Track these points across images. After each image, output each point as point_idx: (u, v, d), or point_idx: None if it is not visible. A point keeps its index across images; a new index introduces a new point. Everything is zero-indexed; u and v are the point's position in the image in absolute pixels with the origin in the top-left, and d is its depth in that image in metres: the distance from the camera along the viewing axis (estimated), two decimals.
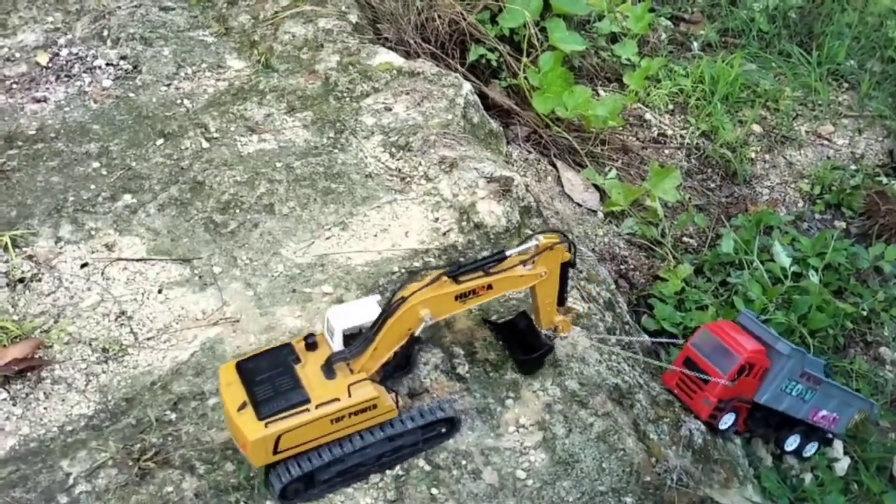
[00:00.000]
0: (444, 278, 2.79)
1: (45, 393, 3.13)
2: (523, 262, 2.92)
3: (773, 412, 3.62)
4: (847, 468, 3.96)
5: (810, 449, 3.97)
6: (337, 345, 2.77)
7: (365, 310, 2.82)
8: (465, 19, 5.34)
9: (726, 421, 3.49)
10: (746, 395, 3.47)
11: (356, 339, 2.76)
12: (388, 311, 2.74)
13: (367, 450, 2.77)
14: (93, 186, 4.00)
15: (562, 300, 3.12)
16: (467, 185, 4.08)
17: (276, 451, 2.62)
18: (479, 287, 2.83)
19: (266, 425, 2.58)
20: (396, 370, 2.89)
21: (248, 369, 2.72)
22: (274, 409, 2.59)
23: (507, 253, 2.90)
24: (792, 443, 3.88)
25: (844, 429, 3.96)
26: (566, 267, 3.04)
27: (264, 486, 2.77)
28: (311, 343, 2.79)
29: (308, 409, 2.62)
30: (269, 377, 2.68)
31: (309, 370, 2.72)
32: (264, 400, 2.62)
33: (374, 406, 2.72)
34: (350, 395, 2.66)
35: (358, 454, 2.76)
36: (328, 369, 2.72)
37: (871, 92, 6.42)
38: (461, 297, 2.82)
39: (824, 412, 3.78)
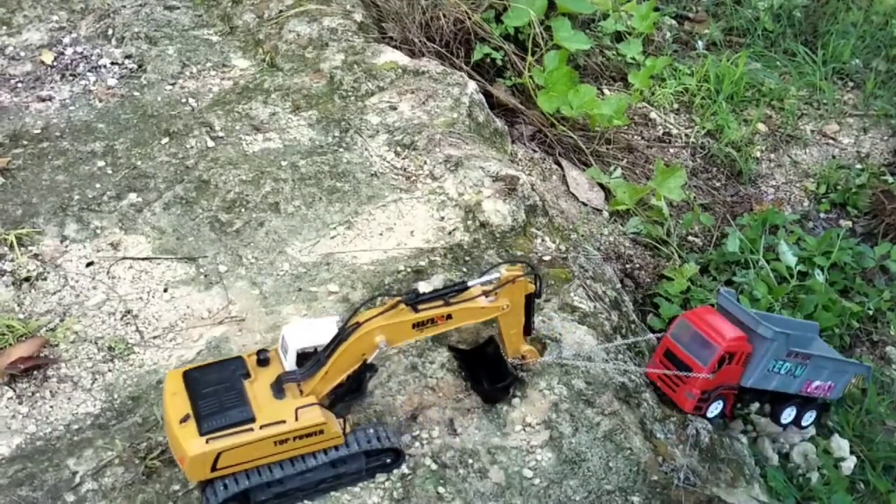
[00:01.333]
0: (402, 305, 2.71)
1: (51, 391, 3.13)
2: (485, 294, 2.84)
3: (764, 391, 3.56)
4: (853, 467, 3.94)
5: (808, 418, 3.87)
6: (290, 363, 2.69)
7: (323, 330, 2.73)
8: (469, 18, 5.33)
9: (713, 409, 3.43)
10: (731, 381, 3.40)
11: (309, 361, 2.68)
12: (342, 335, 2.65)
13: (307, 474, 2.69)
14: (98, 185, 4.00)
15: (528, 330, 3.05)
16: (473, 183, 4.08)
17: (214, 469, 2.54)
18: (438, 316, 2.75)
19: (207, 441, 2.50)
20: (347, 395, 2.77)
21: (196, 380, 2.64)
22: (216, 426, 2.51)
23: (469, 283, 2.83)
24: (788, 415, 3.79)
25: (841, 394, 3.89)
26: (531, 298, 2.96)
27: (199, 501, 2.70)
28: (263, 359, 2.71)
29: (252, 429, 2.54)
30: (216, 391, 2.60)
31: (258, 387, 2.64)
32: (208, 414, 2.54)
33: (321, 431, 2.64)
34: (297, 419, 2.58)
35: (298, 478, 2.68)
36: (278, 388, 2.64)
37: (876, 91, 6.40)
38: (419, 325, 2.73)
39: (818, 383, 3.68)
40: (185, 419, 2.54)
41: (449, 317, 2.77)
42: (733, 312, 3.40)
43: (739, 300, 3.53)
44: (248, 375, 2.66)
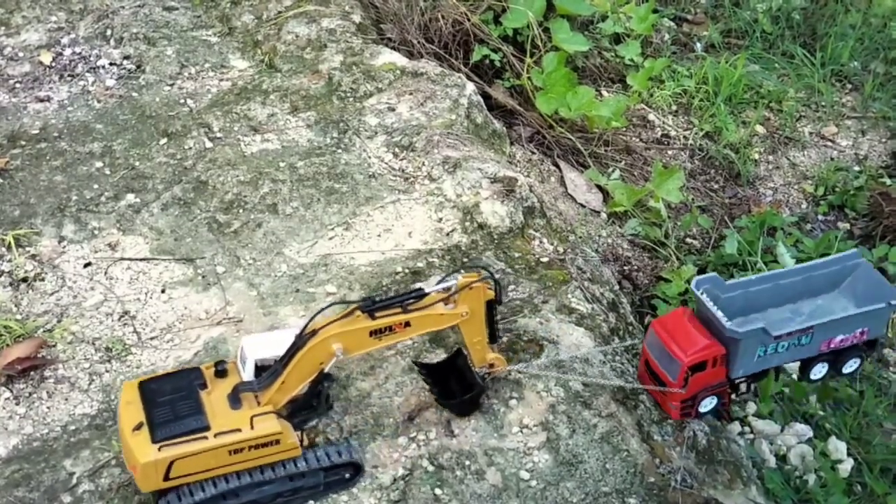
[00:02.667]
0: (359, 313, 2.65)
1: (48, 392, 3.13)
2: (444, 301, 2.78)
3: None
4: (851, 469, 3.95)
5: (851, 365, 3.34)
6: (248, 374, 2.65)
7: (282, 341, 2.68)
8: (468, 20, 5.33)
9: (706, 405, 3.14)
10: (717, 380, 3.07)
11: (266, 371, 2.65)
12: (299, 343, 2.61)
13: (264, 487, 2.65)
14: (96, 186, 4.00)
15: (493, 338, 2.98)
16: (471, 185, 4.08)
17: (167, 478, 2.50)
18: (396, 324, 2.68)
19: (159, 449, 2.46)
20: (305, 407, 2.73)
21: (151, 390, 2.61)
22: (169, 434, 2.48)
23: (426, 290, 2.77)
24: (819, 371, 3.32)
25: (883, 330, 3.38)
26: (492, 305, 2.89)
27: None
28: (220, 370, 2.68)
29: (206, 437, 2.50)
30: (171, 400, 2.56)
31: (214, 398, 2.60)
32: (161, 423, 2.50)
33: (277, 441, 2.59)
34: (252, 427, 2.54)
35: (255, 490, 2.64)
36: (234, 399, 2.60)
37: (874, 93, 6.40)
38: (376, 333, 2.67)
39: (841, 336, 3.16)
40: (137, 427, 2.51)
41: (407, 324, 2.70)
42: (704, 313, 3.05)
43: (725, 283, 3.14)
44: (204, 386, 2.62)
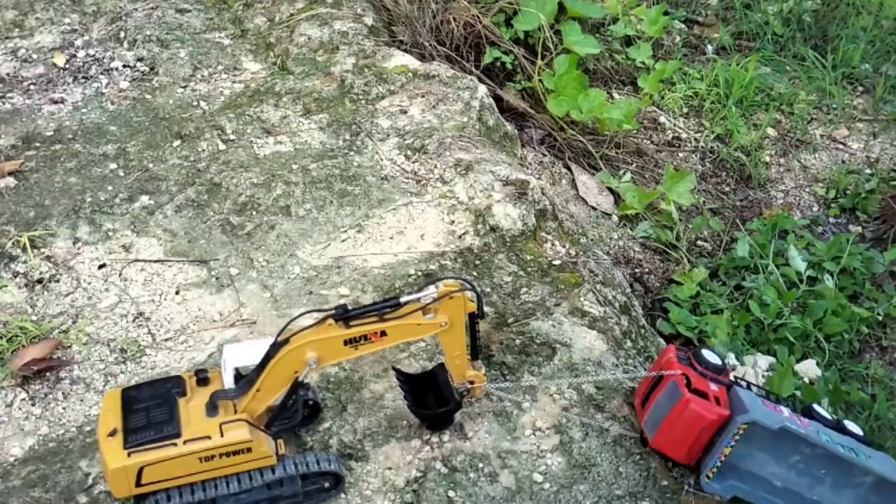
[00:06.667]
0: (331, 321, 2.60)
1: (63, 393, 3.14)
2: (423, 310, 2.70)
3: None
4: None
5: None
6: (228, 382, 2.63)
7: (263, 348, 2.64)
8: (480, 22, 5.34)
9: None
10: None
11: (244, 379, 2.63)
12: (272, 352, 2.57)
13: (241, 495, 2.63)
14: (110, 187, 4.02)
15: (475, 353, 2.90)
16: (483, 187, 4.09)
17: (139, 484, 2.49)
18: (372, 333, 2.63)
19: (129, 454, 2.45)
20: (282, 416, 2.70)
21: (131, 397, 2.60)
22: (141, 440, 2.47)
23: (403, 299, 2.69)
24: None
25: None
26: (474, 319, 2.81)
27: None
28: (202, 378, 2.66)
29: (175, 444, 2.48)
30: (147, 407, 2.56)
31: (193, 406, 2.59)
32: (134, 429, 2.50)
33: (249, 450, 2.56)
34: (222, 435, 2.52)
35: (232, 499, 2.62)
36: (211, 406, 2.58)
37: (886, 96, 6.40)
38: (351, 342, 2.61)
39: None
40: (112, 433, 2.51)
41: (383, 334, 2.65)
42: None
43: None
44: (183, 394, 2.61)
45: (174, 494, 2.55)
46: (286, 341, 2.56)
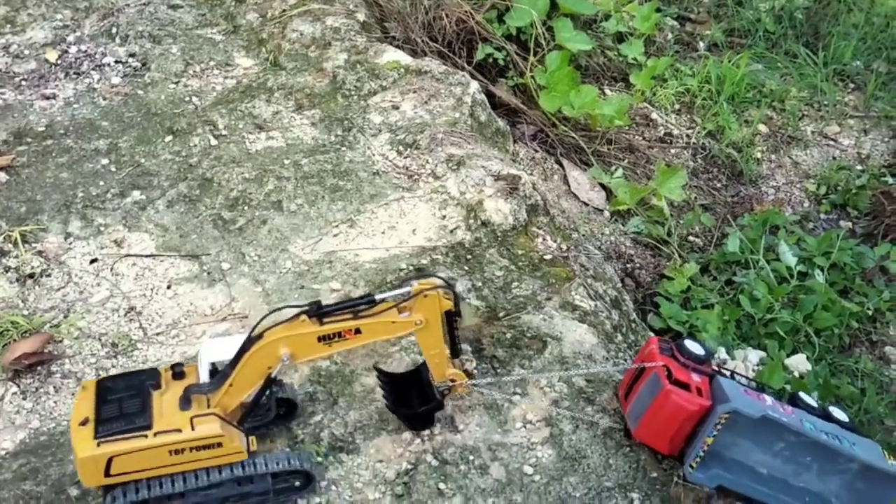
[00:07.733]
0: (304, 317, 2.58)
1: (54, 387, 3.15)
2: (399, 308, 2.68)
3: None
4: None
5: None
6: (204, 376, 2.63)
7: (239, 344, 2.63)
8: (472, 18, 5.35)
9: None
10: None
11: (218, 374, 2.62)
12: (245, 347, 2.56)
13: (210, 490, 2.62)
14: (102, 183, 4.02)
15: (454, 352, 2.87)
16: (475, 183, 4.10)
17: (108, 474, 2.48)
18: (346, 330, 2.60)
19: (98, 444, 2.45)
20: (254, 412, 2.70)
21: (106, 388, 2.60)
22: (111, 430, 2.47)
23: (378, 297, 2.66)
24: None
25: None
26: (451, 317, 2.78)
27: None
28: (178, 372, 2.65)
29: (146, 436, 2.48)
30: (121, 398, 2.55)
31: (166, 398, 2.58)
32: (106, 419, 2.49)
33: (219, 444, 2.55)
34: (193, 429, 2.51)
35: (202, 493, 2.62)
36: (185, 400, 2.57)
37: (877, 92, 6.42)
38: (325, 339, 2.59)
39: None
40: (84, 422, 2.51)
41: (358, 331, 2.62)
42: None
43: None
44: (158, 386, 2.61)
45: (142, 486, 2.54)
46: (259, 336, 2.55)
